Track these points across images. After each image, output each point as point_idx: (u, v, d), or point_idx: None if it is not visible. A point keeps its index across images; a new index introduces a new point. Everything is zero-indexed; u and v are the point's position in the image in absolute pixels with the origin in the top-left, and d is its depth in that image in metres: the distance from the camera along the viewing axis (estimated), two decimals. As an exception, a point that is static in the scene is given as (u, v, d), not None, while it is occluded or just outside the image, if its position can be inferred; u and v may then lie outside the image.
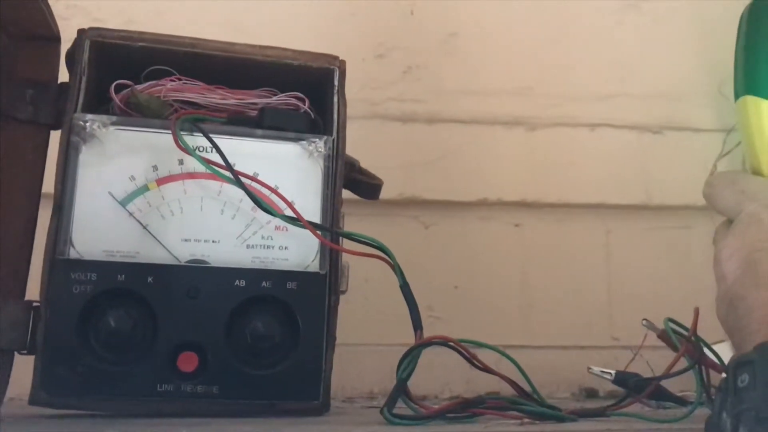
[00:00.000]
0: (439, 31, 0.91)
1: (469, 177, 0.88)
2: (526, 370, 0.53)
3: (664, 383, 0.51)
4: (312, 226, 0.50)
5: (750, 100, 0.46)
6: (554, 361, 0.85)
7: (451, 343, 0.49)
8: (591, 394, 0.83)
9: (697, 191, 0.87)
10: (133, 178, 0.50)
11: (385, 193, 0.65)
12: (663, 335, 0.53)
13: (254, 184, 0.50)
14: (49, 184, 0.53)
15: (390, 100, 0.89)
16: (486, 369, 0.50)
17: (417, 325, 0.50)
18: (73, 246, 0.48)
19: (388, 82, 0.89)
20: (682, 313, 0.60)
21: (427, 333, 0.51)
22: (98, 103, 0.53)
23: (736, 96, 0.48)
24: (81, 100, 0.51)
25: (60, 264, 0.48)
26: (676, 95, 0.92)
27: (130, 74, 0.54)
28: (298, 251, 0.51)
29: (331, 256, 0.52)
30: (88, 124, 0.50)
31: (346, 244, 0.52)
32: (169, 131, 0.50)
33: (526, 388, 0.53)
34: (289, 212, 0.50)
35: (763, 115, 0.45)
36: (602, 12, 0.93)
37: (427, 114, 0.89)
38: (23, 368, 0.49)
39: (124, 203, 0.50)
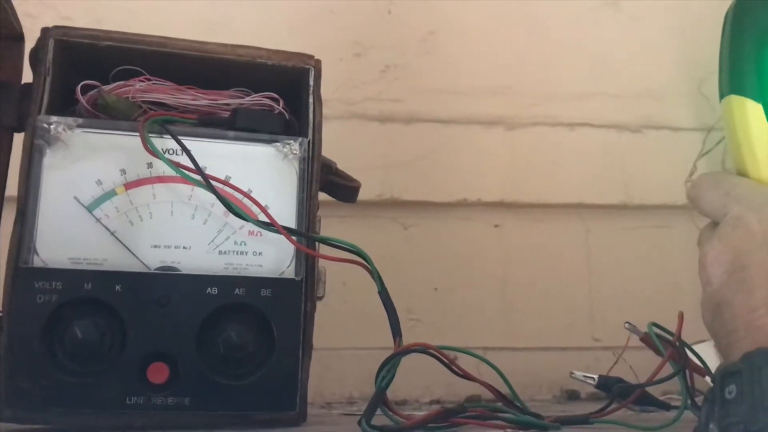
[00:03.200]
0: (417, 30, 0.90)
1: (449, 177, 0.87)
2: (506, 372, 0.53)
3: (648, 388, 0.50)
4: (287, 231, 0.48)
5: (735, 99, 0.45)
6: (535, 362, 0.85)
7: (431, 351, 0.47)
8: (573, 396, 0.83)
9: (676, 191, 0.89)
10: (100, 182, 0.48)
11: (363, 195, 0.63)
12: (646, 339, 0.52)
13: (226, 188, 0.48)
14: (12, 189, 0.51)
15: (368, 100, 0.88)
16: (466, 376, 0.49)
17: (396, 332, 0.49)
18: (37, 253, 0.46)
19: (366, 82, 0.88)
20: (662, 312, 0.59)
21: (407, 335, 0.50)
22: (64, 105, 0.51)
23: (721, 96, 0.47)
24: (45, 102, 0.49)
25: (23, 272, 0.46)
26: (655, 94, 0.91)
27: (98, 75, 0.52)
28: (273, 257, 0.50)
29: (307, 261, 0.50)
30: (52, 126, 0.48)
31: (323, 249, 0.51)
32: (137, 133, 0.48)
33: (507, 392, 0.52)
34: (263, 217, 0.49)
35: (747, 114, 0.44)
36: (581, 11, 0.93)
37: (406, 114, 0.88)
38: None
39: (90, 208, 0.48)
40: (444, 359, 0.48)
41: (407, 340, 0.50)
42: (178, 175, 0.48)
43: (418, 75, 0.89)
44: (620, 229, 0.90)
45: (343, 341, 0.81)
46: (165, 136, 0.49)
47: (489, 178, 0.88)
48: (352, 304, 0.80)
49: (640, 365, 0.69)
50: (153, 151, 0.47)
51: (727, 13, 0.47)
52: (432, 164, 0.88)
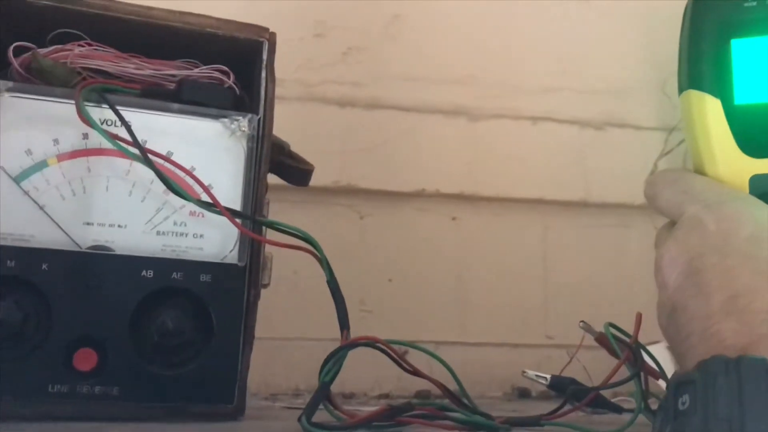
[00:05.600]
0: (382, 13, 0.88)
1: (408, 166, 0.85)
2: (458, 368, 0.51)
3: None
4: (230, 213, 0.45)
5: (693, 94, 0.44)
6: (487, 358, 0.83)
7: (380, 345, 0.45)
8: (523, 394, 0.81)
9: (637, 189, 0.86)
10: (30, 152, 0.45)
11: (319, 180, 0.61)
12: (601, 339, 0.51)
13: (167, 165, 0.45)
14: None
15: (328, 83, 0.85)
16: (415, 372, 0.47)
17: (344, 324, 0.46)
18: (-45, 226, 0.43)
19: (327, 64, 0.85)
20: (617, 312, 0.57)
21: (359, 327, 0.48)
22: (-5, 68, 0.48)
23: (680, 90, 0.46)
24: (-27, 63, 0.45)
25: (-61, 246, 0.42)
26: (619, 92, 0.90)
27: (33, 36, 0.48)
28: (215, 240, 0.47)
29: (252, 246, 0.48)
30: (-21, 89, 0.44)
31: (270, 234, 0.48)
32: (73, 101, 0.45)
33: (457, 389, 0.50)
34: (205, 197, 0.46)
35: (706, 109, 0.43)
36: (550, 5, 0.91)
37: (367, 99, 0.86)
38: None
39: (18, 180, 0.44)
40: (393, 354, 0.46)
41: (359, 331, 0.48)
42: (115, 148, 0.44)
43: (381, 59, 0.87)
44: (579, 226, 0.89)
45: (291, 331, 0.79)
46: (103, 105, 0.46)
47: (449, 169, 0.86)
48: (302, 294, 0.77)
49: (592, 365, 0.68)
50: (88, 121, 0.43)
51: (686, 8, 0.46)
52: (391, 152, 0.85)
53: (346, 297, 0.51)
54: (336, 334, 0.48)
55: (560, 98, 0.89)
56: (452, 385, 0.50)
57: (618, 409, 0.52)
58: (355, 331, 0.53)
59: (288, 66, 0.53)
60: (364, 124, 0.85)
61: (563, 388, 0.51)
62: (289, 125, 0.54)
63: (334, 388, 0.78)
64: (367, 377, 0.79)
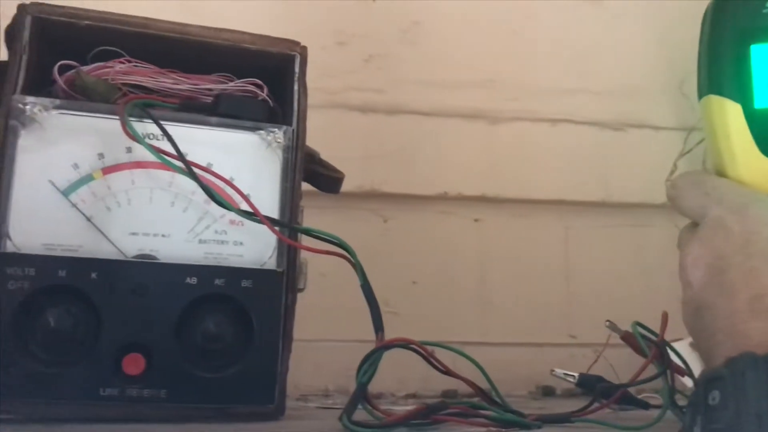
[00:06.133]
0: (401, 20, 0.89)
1: (429, 170, 0.87)
2: (483, 367, 0.52)
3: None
4: (269, 221, 0.47)
5: (714, 99, 0.45)
6: (511, 358, 0.85)
7: (413, 346, 0.47)
8: (548, 392, 0.83)
9: (656, 189, 0.89)
10: (76, 166, 0.47)
11: (343, 186, 0.62)
12: (627, 337, 0.52)
13: (208, 176, 0.47)
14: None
15: (350, 90, 0.87)
16: (448, 372, 0.49)
17: (378, 326, 0.48)
18: (9, 238, 0.45)
19: (349, 71, 0.87)
20: (639, 311, 0.59)
21: (385, 328, 0.49)
22: (40, 85, 0.50)
23: (700, 95, 0.47)
24: (21, 82, 0.47)
25: (-6, 258, 0.44)
26: (637, 92, 0.92)
27: (76, 54, 0.50)
28: (254, 247, 0.49)
29: (289, 252, 0.49)
30: (28, 107, 0.46)
31: (306, 240, 0.50)
32: (117, 117, 0.47)
33: (487, 388, 0.52)
34: (245, 206, 0.47)
35: (726, 114, 0.44)
36: (565, 7, 0.92)
37: (388, 105, 0.87)
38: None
39: (66, 193, 0.46)
40: (427, 355, 0.47)
41: (384, 333, 0.50)
42: (158, 161, 0.46)
43: (401, 65, 0.88)
44: (599, 226, 0.90)
45: (319, 333, 0.81)
46: (145, 120, 0.48)
47: (470, 172, 0.87)
48: (329, 296, 0.79)
49: (617, 363, 0.69)
50: (133, 136, 0.45)
51: (705, 12, 0.47)
52: (413, 156, 0.87)
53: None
54: (362, 336, 0.50)
55: (579, 100, 0.91)
56: (481, 385, 0.52)
57: (645, 406, 0.53)
58: (380, 333, 0.54)
59: (310, 74, 0.54)
60: (386, 130, 0.87)
61: (591, 386, 0.52)
62: (312, 132, 0.56)
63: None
64: (393, 378, 0.81)
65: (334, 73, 0.87)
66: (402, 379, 0.82)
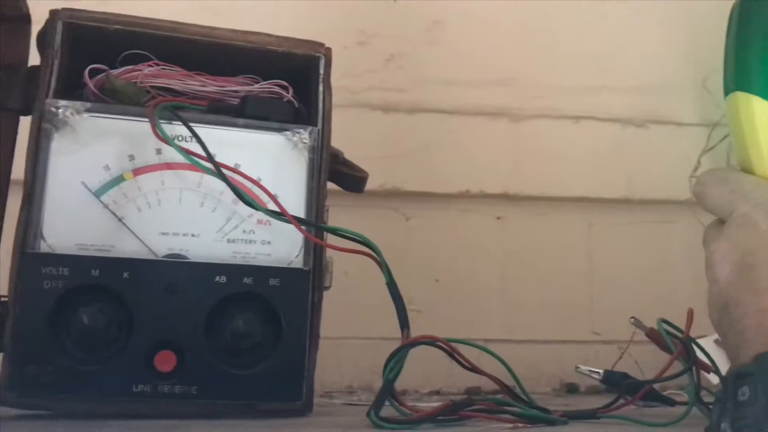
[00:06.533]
0: (422, 19, 0.90)
1: (452, 168, 0.87)
2: (507, 364, 0.52)
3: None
4: (296, 220, 0.48)
5: (740, 96, 0.45)
6: (535, 355, 0.85)
7: (439, 343, 0.47)
8: (572, 389, 0.83)
9: (680, 186, 0.88)
10: (107, 167, 0.48)
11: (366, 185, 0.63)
12: (652, 334, 0.52)
13: (236, 176, 0.48)
14: (18, 173, 0.50)
15: (372, 89, 0.87)
16: (474, 369, 0.49)
17: (404, 323, 0.48)
18: (44, 239, 0.46)
19: (370, 71, 0.88)
20: (663, 308, 0.59)
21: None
22: (70, 88, 0.51)
23: (726, 92, 0.47)
24: (53, 85, 0.48)
25: (30, 258, 0.45)
26: (660, 89, 0.91)
27: (105, 58, 0.51)
28: (281, 246, 0.49)
29: (315, 251, 0.50)
30: (60, 110, 0.47)
31: (331, 239, 0.51)
32: (146, 119, 0.48)
33: (512, 385, 0.52)
34: (272, 205, 0.48)
35: (753, 111, 0.44)
36: (587, 4, 0.92)
37: (410, 103, 0.88)
38: None
39: (98, 194, 0.47)
40: (453, 352, 0.48)
41: None
42: (187, 162, 0.47)
43: (422, 65, 0.89)
44: (622, 223, 0.90)
45: (342, 330, 0.81)
46: (174, 122, 0.49)
47: (492, 170, 0.87)
48: (352, 294, 0.79)
49: (642, 360, 0.70)
50: (163, 138, 0.46)
51: (732, 10, 0.47)
52: (435, 155, 0.87)
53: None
54: (385, 333, 0.50)
55: (601, 97, 0.90)
56: (506, 382, 0.52)
57: (671, 402, 0.53)
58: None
59: (333, 74, 0.55)
60: (408, 129, 0.87)
61: (616, 383, 0.52)
62: (335, 131, 0.56)
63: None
64: (418, 375, 0.81)
65: (356, 72, 0.87)
66: (426, 375, 0.82)
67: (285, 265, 0.49)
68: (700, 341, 0.51)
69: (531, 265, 0.87)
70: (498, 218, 0.88)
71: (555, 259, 0.88)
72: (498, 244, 0.87)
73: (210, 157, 0.46)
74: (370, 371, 0.83)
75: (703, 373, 0.51)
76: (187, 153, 0.46)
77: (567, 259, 0.88)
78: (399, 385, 0.86)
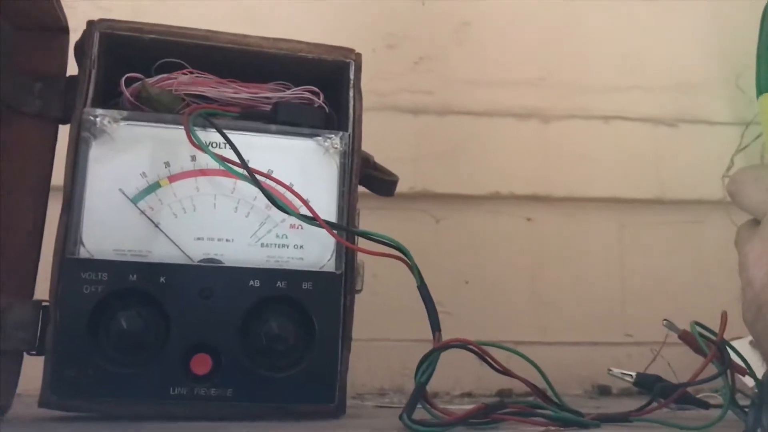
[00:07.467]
0: (450, 21, 0.90)
1: (481, 170, 0.87)
2: (539, 367, 0.52)
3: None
4: (329, 225, 0.48)
5: (773, 97, 0.44)
6: (566, 357, 0.84)
7: (471, 346, 0.47)
8: (604, 391, 0.82)
9: (712, 185, 0.88)
10: (144, 174, 0.49)
11: (395, 187, 0.63)
12: (685, 336, 0.52)
13: (269, 182, 0.49)
14: (57, 180, 0.52)
15: (401, 92, 0.88)
16: (506, 372, 0.49)
17: (435, 326, 0.49)
18: (83, 245, 0.47)
19: (399, 73, 0.88)
20: (695, 308, 0.59)
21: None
22: (107, 97, 0.52)
23: (759, 92, 0.47)
24: (91, 94, 0.50)
25: (70, 263, 0.46)
26: (691, 87, 0.90)
27: (140, 67, 0.52)
28: (314, 250, 0.50)
29: (347, 255, 0.51)
30: (98, 119, 0.48)
31: (362, 243, 0.51)
32: (181, 126, 0.48)
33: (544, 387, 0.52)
34: (304, 210, 0.49)
35: None
36: (617, 2, 0.91)
37: (439, 105, 0.88)
38: (31, 369, 0.48)
39: (135, 200, 0.48)
40: (484, 355, 0.48)
41: None
42: (221, 168, 0.48)
43: (451, 66, 0.89)
44: (654, 223, 0.89)
45: (372, 333, 0.82)
46: (209, 129, 0.49)
47: (522, 171, 0.87)
48: (382, 297, 0.80)
49: (675, 362, 0.69)
50: (198, 145, 0.47)
51: (765, 10, 0.47)
52: (464, 157, 0.87)
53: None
54: (415, 335, 0.50)
55: (631, 96, 0.90)
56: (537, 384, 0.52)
57: (705, 405, 0.53)
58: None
59: (362, 77, 0.56)
60: (437, 131, 0.88)
61: (649, 385, 0.52)
62: (364, 134, 0.57)
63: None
64: (448, 377, 0.81)
65: (384, 75, 0.88)
66: (457, 378, 0.83)
67: (317, 269, 0.50)
68: (735, 343, 0.50)
69: (561, 266, 0.87)
70: (528, 219, 0.88)
71: (586, 260, 0.87)
72: (528, 246, 0.87)
73: (244, 163, 0.47)
74: (401, 373, 0.83)
75: (738, 375, 0.51)
76: (222, 159, 0.47)
77: (598, 260, 0.88)
78: (430, 387, 0.86)
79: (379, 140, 0.65)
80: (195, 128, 0.48)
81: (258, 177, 0.48)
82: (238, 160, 0.47)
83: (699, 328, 0.46)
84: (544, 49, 0.90)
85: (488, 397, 0.78)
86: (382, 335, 0.83)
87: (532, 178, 0.87)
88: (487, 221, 0.87)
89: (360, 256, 0.52)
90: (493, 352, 0.50)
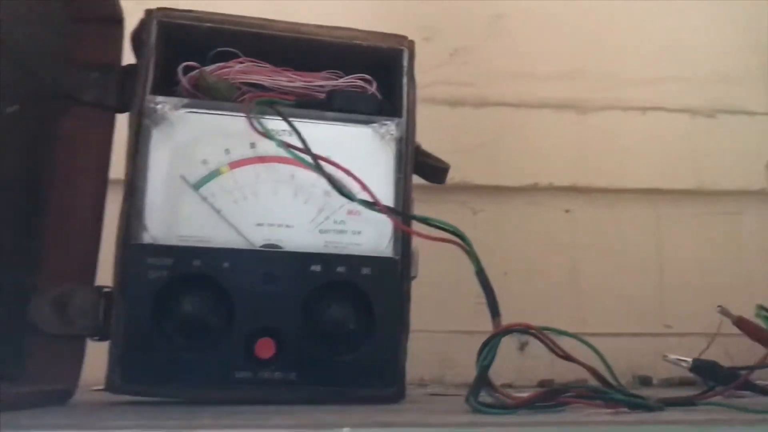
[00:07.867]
0: (486, 13, 0.90)
1: (519, 161, 0.87)
2: (579, 358, 0.52)
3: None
4: (389, 210, 0.48)
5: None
6: (606, 348, 0.84)
7: (533, 331, 0.47)
8: (645, 382, 0.82)
9: (751, 175, 0.87)
10: (205, 161, 0.49)
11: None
12: (740, 323, 0.52)
13: (329, 168, 0.49)
14: (114, 168, 0.52)
15: (437, 84, 0.88)
16: (568, 357, 0.49)
17: (495, 312, 0.49)
18: (146, 230, 0.47)
19: (435, 65, 0.88)
20: (734, 299, 0.59)
21: (476, 319, 0.50)
22: (164, 85, 0.52)
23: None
24: (150, 83, 0.50)
25: (134, 249, 0.47)
26: (730, 78, 0.90)
27: (195, 55, 0.53)
28: (371, 236, 0.50)
29: (403, 240, 0.51)
30: (159, 106, 0.49)
31: (418, 229, 0.51)
32: (240, 114, 0.49)
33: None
34: (362, 196, 0.49)
35: None
36: (653, -7, 0.91)
37: (475, 97, 0.88)
38: (94, 354, 0.49)
39: (196, 187, 0.49)
40: (546, 340, 0.48)
41: (476, 324, 0.51)
42: (280, 155, 0.48)
43: (487, 58, 0.89)
44: (693, 214, 0.89)
45: (412, 323, 0.82)
46: (267, 117, 0.50)
47: (560, 163, 0.87)
48: (420, 288, 0.80)
49: (726, 350, 0.69)
50: (263, 132, 0.47)
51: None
52: (502, 148, 0.87)
53: (462, 291, 0.52)
54: (454, 327, 0.50)
55: (669, 87, 0.90)
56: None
57: (765, 392, 0.52)
58: (472, 324, 0.54)
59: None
60: (474, 122, 0.88)
61: (705, 372, 0.52)
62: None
63: (455, 377, 0.80)
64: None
65: (421, 68, 0.86)
66: (495, 368, 0.82)
67: (375, 255, 0.50)
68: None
69: (600, 257, 0.87)
70: (566, 211, 0.87)
71: (624, 251, 0.87)
72: (567, 237, 0.87)
73: (308, 150, 0.47)
74: (441, 364, 0.83)
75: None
76: (288, 146, 0.47)
77: (637, 251, 0.87)
78: (470, 377, 0.87)
79: (417, 132, 0.65)
80: (258, 116, 0.49)
81: (321, 164, 0.48)
82: (301, 147, 0.48)
83: (765, 312, 0.46)
84: (580, 41, 0.90)
85: (530, 388, 0.78)
86: (420, 326, 0.83)
87: (570, 170, 0.87)
88: (525, 213, 0.87)
89: (416, 243, 0.52)
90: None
